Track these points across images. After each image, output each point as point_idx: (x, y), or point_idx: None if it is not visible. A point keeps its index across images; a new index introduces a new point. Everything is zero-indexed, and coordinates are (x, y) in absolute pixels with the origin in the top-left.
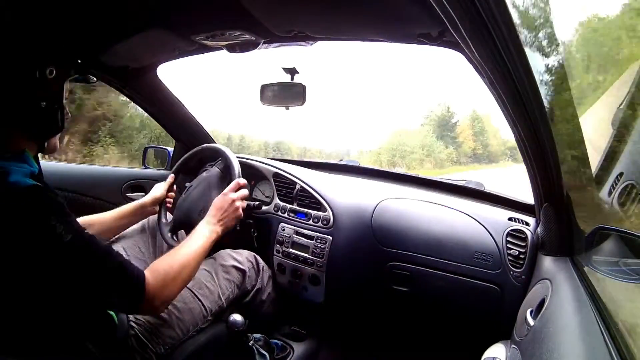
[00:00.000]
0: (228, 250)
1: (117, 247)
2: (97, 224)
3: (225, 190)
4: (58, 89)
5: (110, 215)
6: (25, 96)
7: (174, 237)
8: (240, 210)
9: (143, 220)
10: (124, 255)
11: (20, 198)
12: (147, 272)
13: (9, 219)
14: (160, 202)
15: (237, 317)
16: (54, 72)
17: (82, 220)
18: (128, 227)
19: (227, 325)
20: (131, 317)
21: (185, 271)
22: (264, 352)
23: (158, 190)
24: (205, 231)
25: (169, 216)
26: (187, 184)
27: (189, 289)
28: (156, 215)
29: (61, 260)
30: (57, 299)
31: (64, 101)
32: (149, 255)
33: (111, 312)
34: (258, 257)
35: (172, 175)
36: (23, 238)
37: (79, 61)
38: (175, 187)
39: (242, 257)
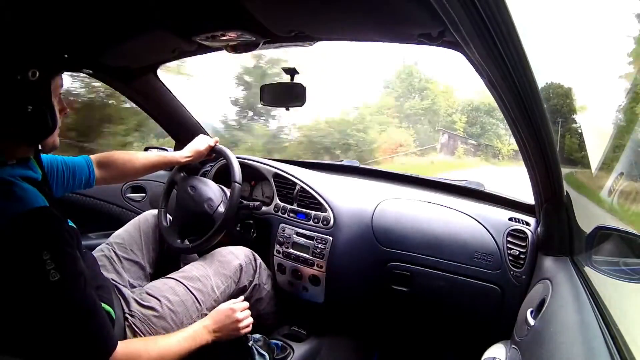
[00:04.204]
0: (225, 247)
1: (110, 249)
2: (125, 163)
3: (235, 306)
4: (44, 90)
5: (138, 161)
6: (8, 101)
7: (184, 242)
8: (240, 332)
9: (134, 221)
10: (116, 258)
11: (21, 221)
12: (120, 346)
13: (6, 240)
14: (193, 166)
15: None
16: (37, 73)
17: (110, 154)
18: (151, 173)
19: None
20: (126, 309)
21: None
22: (263, 352)
23: (198, 146)
24: (196, 334)
25: (169, 218)
26: (190, 185)
27: (182, 283)
28: (149, 214)
29: (39, 299)
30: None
31: (55, 99)
32: (142, 257)
33: (108, 308)
34: (256, 255)
35: (217, 139)
36: (11, 264)
37: (66, 56)
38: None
39: (240, 252)
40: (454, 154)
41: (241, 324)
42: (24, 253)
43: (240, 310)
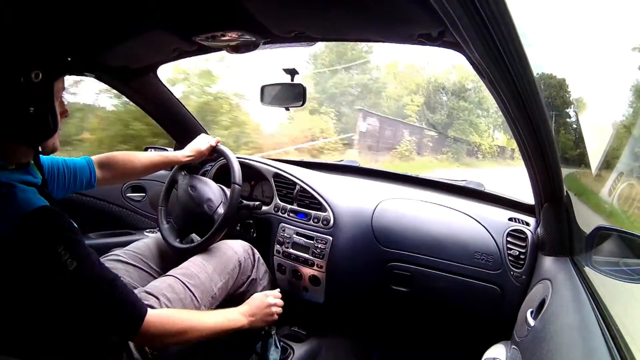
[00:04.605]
0: (224, 240)
1: (124, 255)
2: (126, 163)
3: (267, 292)
4: (46, 92)
5: (139, 162)
6: (10, 102)
7: (183, 241)
8: (274, 317)
9: (157, 237)
10: (126, 263)
11: (27, 222)
12: (152, 312)
13: (15, 242)
14: (194, 165)
15: None
16: (40, 75)
17: (110, 154)
18: (152, 173)
19: None
20: None
21: (189, 335)
22: (279, 345)
23: (199, 146)
24: (232, 316)
25: (169, 218)
26: (190, 185)
27: (180, 280)
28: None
29: (64, 288)
30: (59, 320)
31: (56, 102)
32: (155, 273)
33: None
34: (254, 249)
35: (218, 139)
36: (27, 264)
37: (69, 59)
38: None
39: (239, 247)
40: (393, 149)
41: (274, 308)
42: (39, 251)
43: (271, 297)
